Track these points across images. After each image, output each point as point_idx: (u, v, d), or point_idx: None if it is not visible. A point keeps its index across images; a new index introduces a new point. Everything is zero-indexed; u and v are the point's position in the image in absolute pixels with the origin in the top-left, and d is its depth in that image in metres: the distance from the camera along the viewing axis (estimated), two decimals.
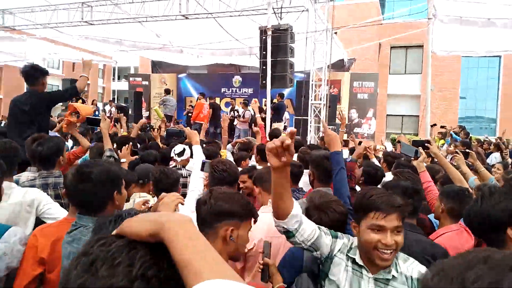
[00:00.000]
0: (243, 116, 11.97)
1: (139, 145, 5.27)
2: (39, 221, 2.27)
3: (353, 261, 1.65)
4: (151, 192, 3.18)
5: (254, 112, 6.18)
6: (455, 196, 2.48)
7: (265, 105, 10.75)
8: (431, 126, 11.75)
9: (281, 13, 9.39)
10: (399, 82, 22.03)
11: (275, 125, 10.12)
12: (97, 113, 13.98)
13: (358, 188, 3.42)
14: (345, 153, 5.73)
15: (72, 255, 1.29)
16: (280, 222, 1.61)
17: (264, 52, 8.83)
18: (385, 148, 9.36)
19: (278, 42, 8.75)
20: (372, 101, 15.34)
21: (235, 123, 12.29)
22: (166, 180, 2.81)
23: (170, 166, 4.17)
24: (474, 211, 1.72)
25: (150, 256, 0.68)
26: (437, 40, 10.24)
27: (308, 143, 9.20)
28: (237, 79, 16.63)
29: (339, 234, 1.73)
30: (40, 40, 14.53)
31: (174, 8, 10.23)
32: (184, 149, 4.02)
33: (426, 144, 3.40)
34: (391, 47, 21.89)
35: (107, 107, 16.04)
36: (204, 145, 4.17)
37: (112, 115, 12.58)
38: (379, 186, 3.01)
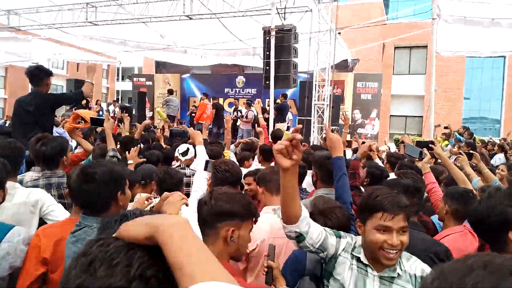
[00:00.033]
0: (246, 117, 11.97)
1: (142, 145, 5.28)
2: (42, 222, 2.28)
3: (358, 259, 1.65)
4: (153, 192, 3.18)
5: (257, 113, 6.19)
6: (459, 198, 2.46)
7: (269, 105, 10.75)
8: (435, 127, 11.70)
9: (284, 13, 9.38)
10: (403, 83, 21.95)
11: (278, 125, 10.12)
12: (101, 113, 14.04)
13: (362, 189, 3.41)
14: (348, 154, 5.72)
15: None
16: (292, 226, 1.59)
17: (267, 53, 8.83)
18: (389, 148, 9.33)
19: (281, 42, 8.75)
20: (376, 102, 15.30)
21: (238, 123, 12.29)
22: (170, 181, 2.81)
23: (174, 166, 4.18)
24: (477, 212, 1.71)
25: (149, 256, 0.69)
26: (442, 40, 10.20)
27: (311, 143, 9.19)
28: (240, 79, 16.64)
29: (342, 233, 1.73)
30: (45, 41, 14.62)
31: (178, 9, 10.26)
32: (188, 149, 4.03)
33: (430, 145, 3.38)
34: (395, 48, 21.82)
35: (111, 107, 16.09)
36: (207, 146, 4.17)
37: (116, 115, 12.62)
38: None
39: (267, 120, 9.60)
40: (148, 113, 15.63)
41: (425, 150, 3.22)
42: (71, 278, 0.67)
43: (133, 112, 13.83)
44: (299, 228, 1.59)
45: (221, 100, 15.35)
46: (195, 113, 13.12)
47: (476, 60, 27.54)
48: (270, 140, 6.01)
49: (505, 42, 10.73)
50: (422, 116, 20.86)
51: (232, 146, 5.51)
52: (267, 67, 8.82)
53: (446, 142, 11.10)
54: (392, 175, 3.63)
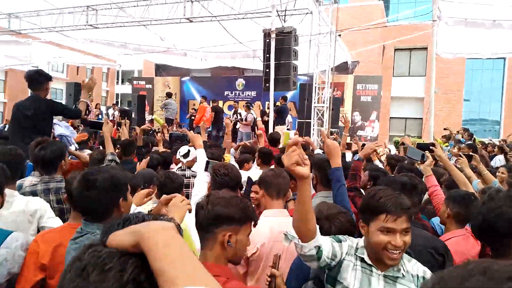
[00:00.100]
0: (245, 119, 11.97)
1: (142, 149, 5.29)
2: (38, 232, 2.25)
3: (361, 260, 1.66)
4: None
5: (256, 116, 6.21)
6: (461, 201, 2.45)
7: (268, 108, 10.75)
8: (444, 129, 11.69)
9: (285, 15, 9.39)
10: (403, 85, 21.96)
11: (278, 128, 10.11)
12: (100, 117, 14.05)
13: (362, 191, 3.40)
14: (348, 156, 5.72)
15: None
16: (312, 242, 1.56)
17: (267, 55, 8.84)
18: (389, 151, 9.32)
19: (281, 44, 8.76)
20: (376, 104, 15.30)
21: (237, 126, 12.29)
22: (171, 185, 2.80)
23: (175, 168, 4.18)
24: (478, 214, 1.70)
25: (142, 261, 0.70)
26: (442, 42, 10.20)
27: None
28: (240, 82, 16.66)
29: (340, 237, 1.73)
30: (45, 44, 14.65)
31: (179, 11, 10.28)
32: (189, 150, 4.04)
33: (430, 147, 3.37)
34: (395, 49, 21.85)
35: (111, 111, 16.10)
36: (207, 149, 4.18)
37: (115, 119, 12.62)
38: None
39: (267, 122, 9.61)
40: (148, 117, 15.63)
41: (427, 153, 3.21)
42: (66, 283, 0.69)
43: (133, 115, 13.83)
44: (318, 242, 1.57)
45: (220, 103, 15.36)
46: (195, 116, 13.13)
47: (476, 61, 27.57)
48: (268, 144, 6.01)
49: (505, 44, 10.74)
50: (422, 118, 20.86)
51: (232, 150, 5.50)
52: (267, 70, 8.83)
53: (446, 144, 11.09)
54: None
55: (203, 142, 3.28)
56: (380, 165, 4.91)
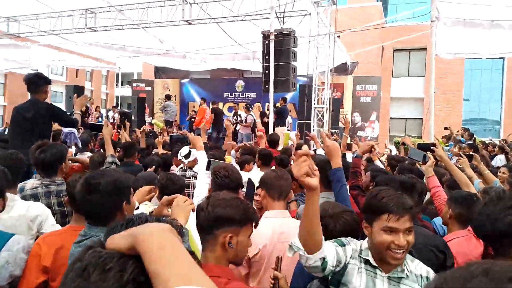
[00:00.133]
0: (245, 121, 11.97)
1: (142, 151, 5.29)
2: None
3: (366, 261, 1.66)
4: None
5: (255, 117, 6.21)
6: (463, 202, 2.44)
7: (268, 109, 10.75)
8: (444, 129, 11.70)
9: (283, 17, 9.40)
10: (402, 85, 21.98)
11: (278, 129, 10.11)
12: (100, 119, 14.05)
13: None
14: (349, 157, 5.72)
15: None
16: (317, 254, 1.54)
17: (266, 57, 8.85)
18: (390, 151, 9.32)
19: (280, 46, 8.77)
20: (375, 104, 15.31)
21: (237, 128, 12.29)
22: (172, 187, 2.79)
23: (176, 170, 4.19)
24: (481, 213, 1.70)
25: (141, 262, 0.70)
26: (441, 42, 10.22)
27: (312, 147, 9.17)
28: (240, 83, 16.66)
29: (343, 240, 1.72)
30: (44, 47, 14.65)
31: (177, 14, 10.29)
32: (190, 151, 4.06)
33: (431, 148, 3.36)
34: (394, 50, 21.87)
35: (111, 113, 16.11)
36: (207, 151, 4.19)
37: (115, 121, 12.62)
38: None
39: (267, 124, 9.61)
40: (148, 119, 15.64)
41: (429, 154, 3.20)
42: (67, 282, 0.71)
43: (133, 117, 13.84)
44: (323, 253, 1.55)
45: (220, 105, 15.35)
46: (195, 118, 13.13)
47: (475, 61, 27.62)
48: (267, 145, 6.00)
49: (504, 44, 10.76)
50: (422, 118, 20.86)
51: (233, 151, 5.51)
52: (267, 71, 8.84)
53: (447, 144, 11.08)
54: None
55: (203, 144, 3.29)
56: (381, 166, 4.91)
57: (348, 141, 7.14)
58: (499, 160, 8.39)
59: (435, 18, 9.14)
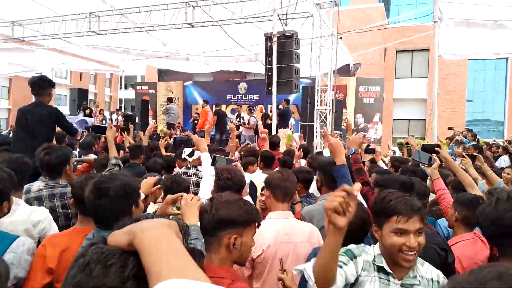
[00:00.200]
0: (248, 123, 11.99)
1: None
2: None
3: (379, 269, 1.65)
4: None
5: (257, 119, 6.21)
6: (469, 204, 2.41)
7: (271, 111, 10.75)
8: (448, 129, 11.65)
9: (286, 19, 9.42)
10: (405, 86, 21.93)
11: (281, 131, 10.12)
12: (104, 122, 14.10)
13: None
14: None
15: None
16: None
17: (269, 59, 8.88)
18: (394, 152, 9.30)
19: (283, 48, 8.78)
20: (378, 106, 15.28)
21: (240, 129, 12.31)
22: (177, 188, 2.79)
23: (181, 171, 4.22)
24: (487, 213, 1.69)
25: None
26: (444, 43, 10.19)
27: (315, 148, 9.17)
28: (242, 85, 16.68)
29: (355, 251, 1.66)
30: (49, 51, 14.75)
31: (180, 17, 10.34)
32: (193, 150, 4.11)
33: (436, 149, 3.35)
34: (397, 51, 21.83)
35: (114, 116, 16.15)
36: (211, 153, 4.23)
37: (119, 124, 12.67)
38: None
39: (270, 126, 9.62)
40: (151, 121, 15.69)
41: (434, 156, 3.17)
42: (70, 278, 0.72)
43: (136, 120, 13.89)
44: (336, 286, 1.52)
45: (223, 107, 15.38)
46: (198, 120, 13.14)
47: (478, 62, 27.53)
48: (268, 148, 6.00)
49: (507, 44, 10.70)
50: (425, 119, 20.80)
51: (236, 153, 5.52)
52: (269, 73, 8.85)
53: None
54: None
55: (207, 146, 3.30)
56: (384, 166, 4.90)
57: None
58: (503, 161, 8.35)
59: (438, 18, 9.12)
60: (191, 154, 4.10)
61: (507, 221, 1.60)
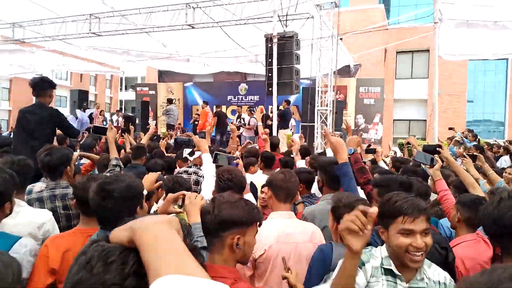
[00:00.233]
0: (249, 123, 11.99)
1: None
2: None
3: (386, 271, 1.65)
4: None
5: (258, 121, 6.21)
6: (471, 205, 2.41)
7: (271, 112, 10.76)
8: (449, 129, 11.64)
9: (286, 20, 9.43)
10: (405, 87, 21.94)
11: (281, 131, 10.12)
12: (105, 123, 14.11)
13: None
14: None
15: None
16: None
17: (270, 60, 8.88)
18: (395, 153, 9.30)
19: (283, 49, 8.80)
20: (379, 106, 15.29)
21: (240, 130, 12.31)
22: (179, 189, 2.79)
23: (180, 171, 4.24)
24: (489, 213, 1.69)
25: None
26: (444, 44, 10.20)
27: (316, 149, 9.18)
28: (243, 86, 16.70)
29: (363, 257, 1.66)
30: (49, 52, 14.76)
31: (181, 18, 10.34)
32: (193, 150, 4.14)
33: (437, 149, 3.35)
34: (397, 52, 21.85)
35: (115, 117, 16.16)
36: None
37: (119, 125, 12.67)
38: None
39: (271, 126, 9.62)
40: (152, 122, 15.71)
41: (436, 157, 3.16)
42: (71, 275, 0.74)
43: (137, 121, 13.90)
44: None
45: (224, 108, 15.39)
46: (198, 121, 13.15)
47: (478, 63, 27.53)
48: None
49: (508, 45, 10.71)
50: (425, 120, 20.80)
51: (237, 153, 5.52)
52: (270, 74, 8.86)
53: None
54: None
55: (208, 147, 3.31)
56: (385, 167, 4.90)
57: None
58: (504, 161, 8.35)
59: (438, 19, 9.14)
60: (191, 153, 4.12)
61: (507, 220, 1.60)
